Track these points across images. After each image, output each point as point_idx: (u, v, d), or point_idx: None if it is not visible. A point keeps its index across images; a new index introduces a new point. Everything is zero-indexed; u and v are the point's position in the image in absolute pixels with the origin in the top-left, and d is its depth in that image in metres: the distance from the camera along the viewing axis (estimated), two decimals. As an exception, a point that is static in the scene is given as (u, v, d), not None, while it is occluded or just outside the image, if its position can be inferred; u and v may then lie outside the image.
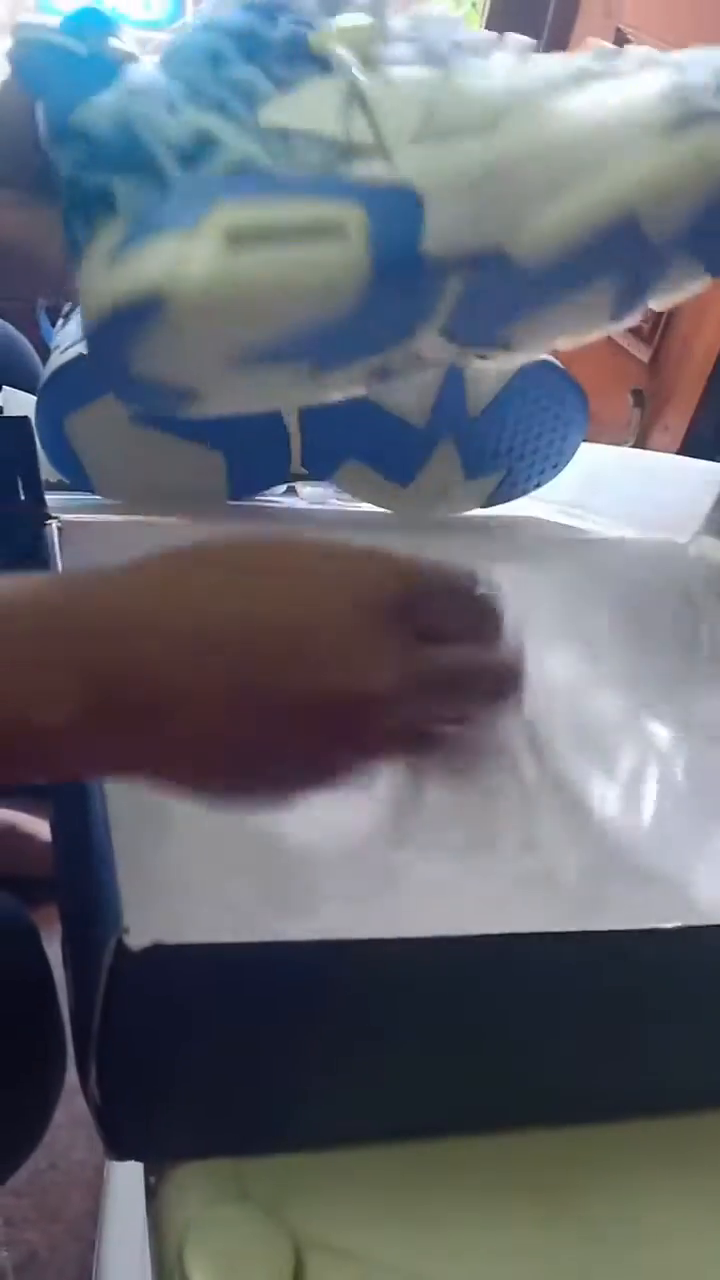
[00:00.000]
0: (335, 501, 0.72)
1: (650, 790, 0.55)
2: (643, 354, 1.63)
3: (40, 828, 1.07)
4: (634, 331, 1.66)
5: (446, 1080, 0.43)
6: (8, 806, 1.06)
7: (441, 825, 0.47)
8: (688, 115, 0.45)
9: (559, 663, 0.52)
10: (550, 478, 0.73)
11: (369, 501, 0.72)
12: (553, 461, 0.72)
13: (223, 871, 0.42)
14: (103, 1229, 0.81)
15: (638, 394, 1.60)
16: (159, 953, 0.36)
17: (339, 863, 0.45)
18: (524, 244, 0.42)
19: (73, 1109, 0.42)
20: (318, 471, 0.69)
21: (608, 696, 0.52)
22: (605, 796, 0.52)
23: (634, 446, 1.55)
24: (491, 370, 0.67)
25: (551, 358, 0.69)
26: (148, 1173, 0.47)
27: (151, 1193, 0.46)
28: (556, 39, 1.78)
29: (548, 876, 0.50)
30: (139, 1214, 0.68)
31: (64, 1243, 0.85)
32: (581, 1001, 0.43)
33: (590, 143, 0.43)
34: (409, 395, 0.66)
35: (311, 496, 0.77)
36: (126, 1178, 0.69)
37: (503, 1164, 0.46)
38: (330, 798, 0.41)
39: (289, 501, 0.77)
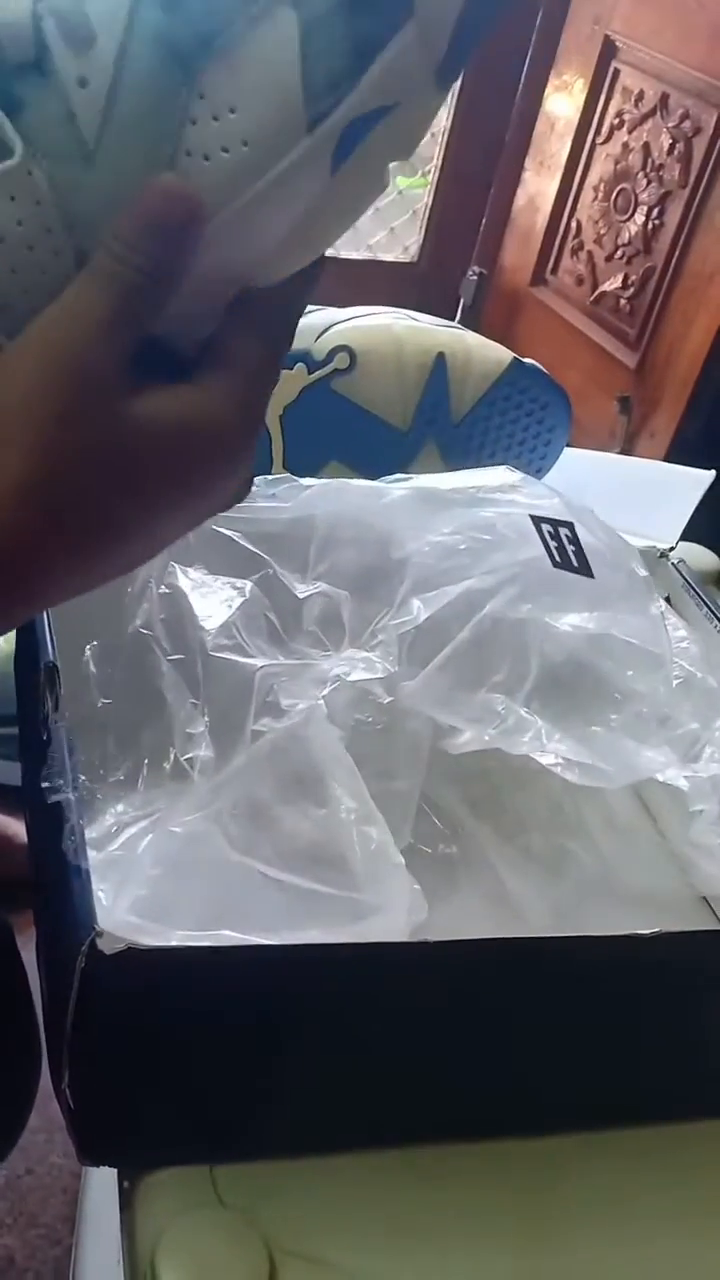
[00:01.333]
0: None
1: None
2: (629, 360, 1.63)
3: (20, 831, 1.06)
4: (621, 338, 1.67)
5: (420, 1088, 0.43)
6: (-10, 809, 1.05)
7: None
8: None
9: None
10: (534, 482, 0.73)
11: (351, 504, 0.72)
12: (536, 466, 0.72)
13: (197, 879, 0.42)
14: (80, 1235, 0.80)
15: (624, 400, 1.60)
16: (131, 956, 0.36)
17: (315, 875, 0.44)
18: None
19: (49, 1114, 0.41)
20: (300, 473, 0.69)
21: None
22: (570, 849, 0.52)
23: (620, 452, 1.56)
24: (475, 375, 0.67)
25: (537, 364, 0.69)
26: (121, 1178, 0.46)
27: (125, 1198, 0.46)
28: (544, 47, 1.78)
29: (516, 915, 0.50)
30: (116, 1219, 0.68)
31: (40, 1248, 0.85)
32: (561, 1007, 0.43)
33: None
34: (392, 397, 0.66)
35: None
36: (104, 1183, 0.69)
37: (479, 1172, 0.45)
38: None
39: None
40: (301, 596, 0.51)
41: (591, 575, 0.53)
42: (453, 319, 1.24)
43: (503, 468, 0.58)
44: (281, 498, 0.54)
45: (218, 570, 0.52)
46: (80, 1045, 0.38)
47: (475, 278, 1.94)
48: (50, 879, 0.44)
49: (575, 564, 0.53)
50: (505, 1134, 0.46)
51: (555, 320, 1.80)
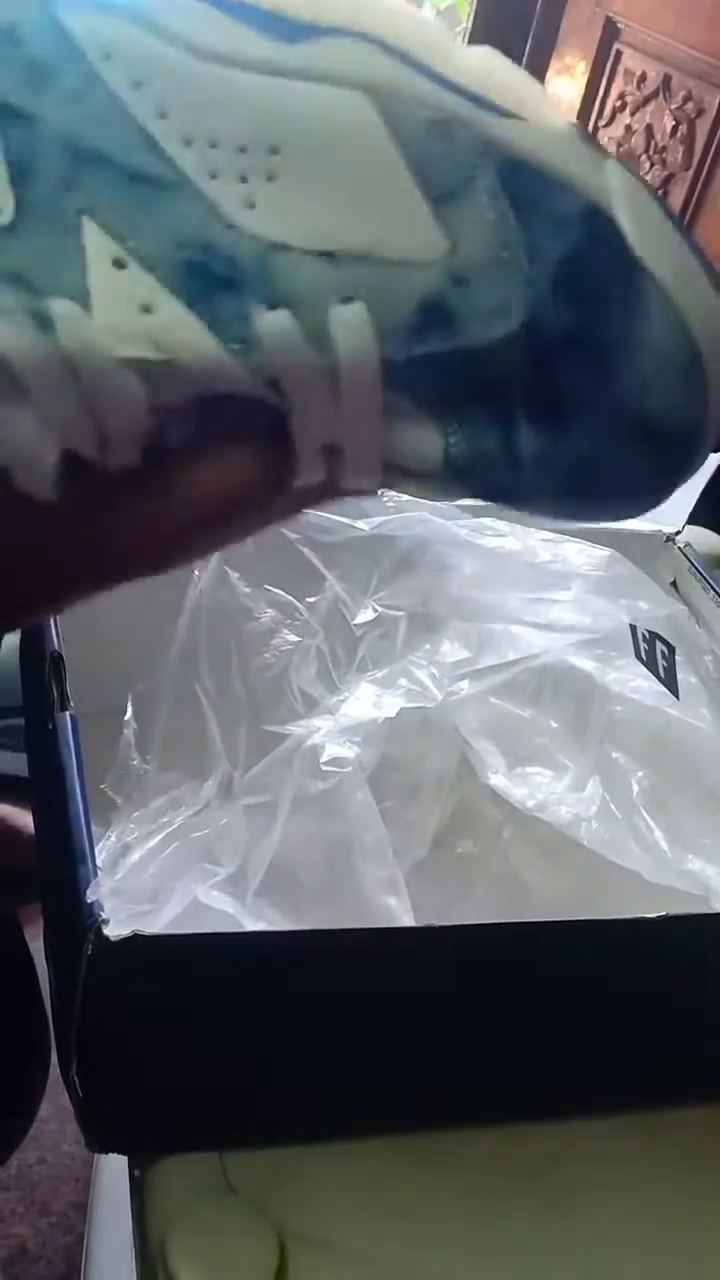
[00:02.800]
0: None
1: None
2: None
3: (28, 821, 1.06)
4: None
5: (430, 1073, 0.43)
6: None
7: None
8: None
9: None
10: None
11: (413, 495, 0.71)
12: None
13: (202, 866, 0.42)
14: (91, 1223, 0.80)
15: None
16: (137, 943, 0.36)
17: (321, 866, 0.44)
18: None
19: (61, 1103, 0.41)
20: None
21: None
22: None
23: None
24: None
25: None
26: (132, 1166, 0.47)
27: (136, 1186, 0.46)
28: (545, 29, 1.78)
29: (527, 897, 0.50)
30: (127, 1207, 0.68)
31: (53, 1236, 0.85)
32: (567, 991, 0.42)
33: None
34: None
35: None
36: (115, 1171, 0.69)
37: (493, 1157, 0.45)
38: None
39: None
40: (357, 624, 0.50)
41: (676, 696, 0.50)
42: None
43: (610, 552, 0.54)
44: (354, 512, 0.52)
45: (275, 576, 0.51)
46: (87, 1032, 0.38)
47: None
48: (55, 867, 0.44)
49: (663, 676, 0.50)
50: (515, 1118, 0.46)
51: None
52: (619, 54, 1.66)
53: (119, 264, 0.28)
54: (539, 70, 1.76)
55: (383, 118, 0.27)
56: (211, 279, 0.28)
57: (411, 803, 0.49)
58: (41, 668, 0.48)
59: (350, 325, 0.28)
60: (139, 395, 0.28)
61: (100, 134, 0.28)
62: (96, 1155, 0.82)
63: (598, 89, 1.70)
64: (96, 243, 0.28)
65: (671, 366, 0.28)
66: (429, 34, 0.27)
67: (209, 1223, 0.42)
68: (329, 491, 0.30)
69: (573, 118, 0.28)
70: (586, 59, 1.70)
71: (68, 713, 0.44)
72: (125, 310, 0.28)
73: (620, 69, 1.66)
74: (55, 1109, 0.55)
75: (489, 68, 0.27)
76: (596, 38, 1.68)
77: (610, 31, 1.66)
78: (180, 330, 0.28)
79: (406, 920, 0.42)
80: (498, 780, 0.47)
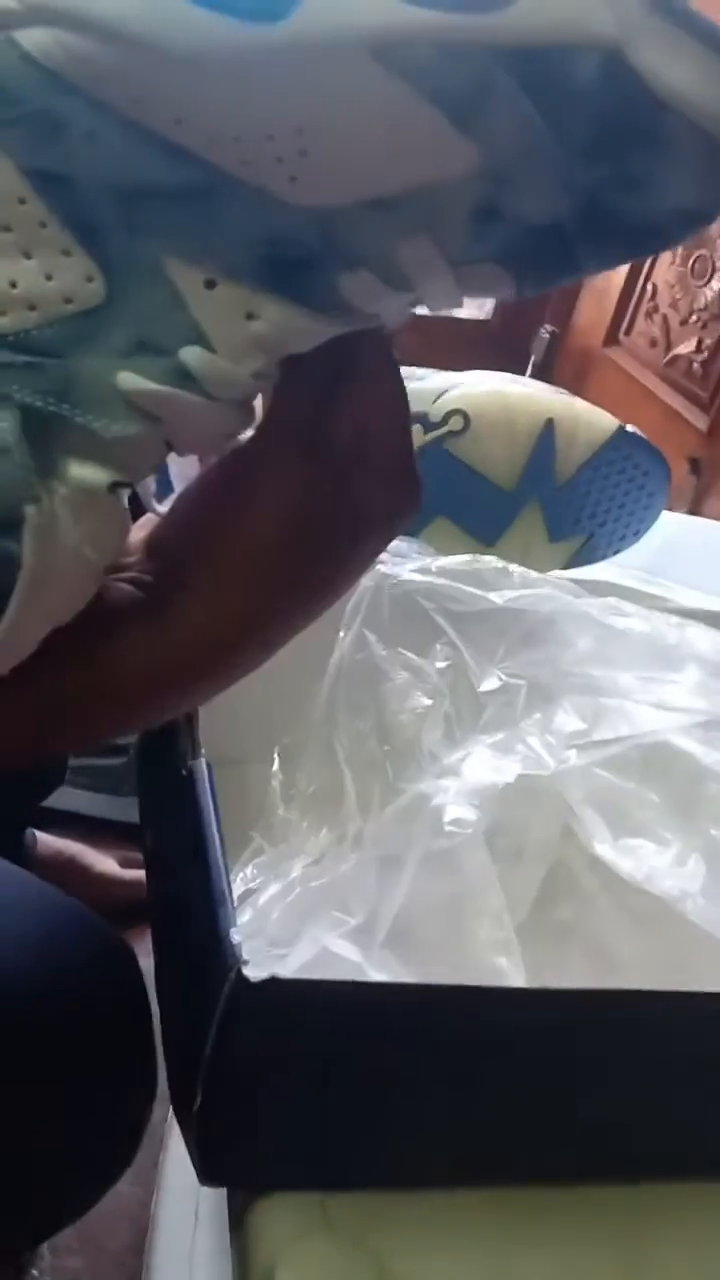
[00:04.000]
0: (415, 555, 0.74)
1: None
2: (701, 423, 1.65)
3: (95, 859, 1.08)
4: (693, 400, 1.69)
5: (542, 1132, 0.45)
6: (66, 837, 1.08)
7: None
8: None
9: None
10: (630, 545, 0.75)
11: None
12: (634, 529, 0.74)
13: (333, 915, 0.44)
14: (150, 1265, 0.81)
15: (695, 462, 1.62)
16: (273, 986, 0.38)
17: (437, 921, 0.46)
18: None
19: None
20: (409, 528, 0.72)
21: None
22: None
23: (689, 513, 1.57)
24: (582, 441, 0.69)
25: (640, 432, 0.72)
26: (233, 1202, 0.48)
27: (237, 1221, 0.47)
28: None
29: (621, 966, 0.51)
30: (185, 1247, 0.69)
31: (107, 1271, 0.86)
32: (678, 1061, 0.44)
33: None
34: (501, 458, 0.69)
35: (394, 549, 0.79)
36: (175, 1213, 0.70)
37: (586, 1210, 0.47)
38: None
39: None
40: (482, 690, 0.52)
41: None
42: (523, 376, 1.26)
43: None
44: (486, 585, 0.55)
45: (411, 641, 0.54)
46: (215, 1070, 0.40)
47: (547, 336, 1.97)
48: (181, 906, 0.46)
49: None
50: (608, 1179, 0.47)
51: (627, 380, 1.83)
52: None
53: (209, 284, 0.29)
54: None
55: (390, 71, 0.27)
56: (290, 264, 0.29)
57: (515, 866, 0.51)
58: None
59: (420, 259, 0.30)
60: (267, 383, 0.31)
61: (131, 164, 0.28)
62: (156, 1197, 0.83)
63: None
64: (182, 275, 0.29)
65: (706, 175, 0.29)
66: None
67: (316, 1258, 0.44)
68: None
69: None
70: None
71: (203, 759, 0.47)
72: (235, 326, 0.30)
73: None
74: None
75: None
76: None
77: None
78: (286, 323, 0.30)
79: (518, 982, 0.44)
80: (603, 850, 0.49)
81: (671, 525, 0.83)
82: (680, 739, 0.49)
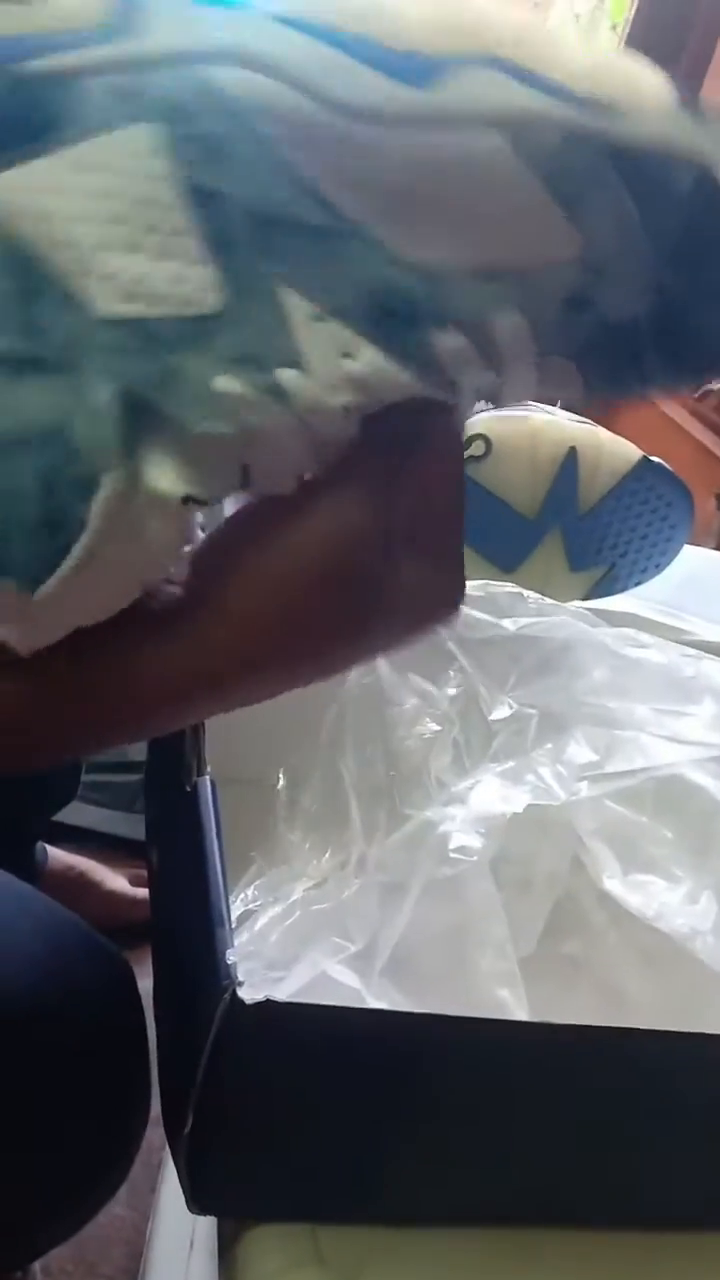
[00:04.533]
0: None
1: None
2: (730, 459, 1.64)
3: (105, 876, 1.08)
4: (719, 434, 1.68)
5: (540, 1172, 0.43)
6: (79, 853, 1.07)
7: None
8: None
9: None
10: (652, 577, 0.74)
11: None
12: (656, 561, 0.73)
13: (333, 940, 0.43)
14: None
15: (722, 498, 1.62)
16: (268, 1009, 0.37)
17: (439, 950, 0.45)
18: None
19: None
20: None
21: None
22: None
23: (715, 548, 1.56)
24: (605, 471, 0.69)
25: (664, 463, 0.71)
26: (223, 1230, 0.47)
27: (226, 1250, 0.46)
28: (696, 63, 1.79)
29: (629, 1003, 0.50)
30: (179, 1274, 0.68)
31: (100, 1297, 0.85)
32: (683, 1104, 0.43)
33: None
34: (523, 485, 0.68)
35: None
36: (170, 1238, 0.69)
37: (582, 1257, 0.45)
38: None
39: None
40: (493, 719, 0.51)
41: None
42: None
43: None
44: (500, 611, 0.55)
45: (421, 667, 0.53)
46: (208, 1093, 0.39)
47: (578, 367, 1.96)
48: (179, 926, 0.45)
49: None
50: (608, 1223, 0.46)
51: (655, 414, 1.82)
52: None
53: (317, 319, 0.31)
54: (700, 65, 1.76)
55: (518, 151, 0.30)
56: (393, 315, 0.31)
57: (522, 897, 0.50)
58: (180, 732, 0.49)
59: (512, 333, 0.32)
60: (348, 428, 0.32)
61: (276, 197, 0.30)
62: (151, 1222, 0.82)
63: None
64: (295, 304, 0.31)
65: None
66: (538, 41, 0.30)
67: (302, 1296, 0.43)
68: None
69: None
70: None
71: (207, 776, 0.46)
72: (332, 361, 0.31)
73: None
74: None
75: (595, 64, 0.30)
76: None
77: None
78: (378, 368, 0.31)
79: (520, 1015, 0.43)
80: (612, 884, 0.48)
81: (696, 560, 0.83)
82: (695, 773, 0.48)
